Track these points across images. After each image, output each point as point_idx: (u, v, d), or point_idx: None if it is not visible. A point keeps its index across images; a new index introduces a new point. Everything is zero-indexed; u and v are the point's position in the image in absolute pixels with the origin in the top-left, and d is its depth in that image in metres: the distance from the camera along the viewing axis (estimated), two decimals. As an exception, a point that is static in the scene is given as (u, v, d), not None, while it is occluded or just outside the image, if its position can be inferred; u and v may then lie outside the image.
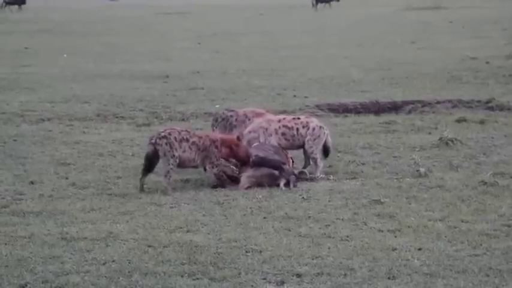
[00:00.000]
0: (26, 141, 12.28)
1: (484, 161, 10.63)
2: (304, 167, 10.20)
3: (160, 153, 9.37)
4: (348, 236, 7.56)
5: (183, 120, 14.10)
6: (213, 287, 6.39)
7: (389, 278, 6.51)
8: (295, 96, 16.51)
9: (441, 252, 7.08)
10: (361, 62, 21.92)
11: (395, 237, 7.55)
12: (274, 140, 10.05)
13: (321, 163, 9.98)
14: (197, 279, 6.53)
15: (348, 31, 33.79)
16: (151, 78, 19.43)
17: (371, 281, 6.44)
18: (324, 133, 10.10)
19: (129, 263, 6.88)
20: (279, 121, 10.15)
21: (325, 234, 7.65)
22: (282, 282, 6.46)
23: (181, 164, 9.51)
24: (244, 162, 9.61)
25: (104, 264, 6.86)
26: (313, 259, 6.93)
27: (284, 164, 9.60)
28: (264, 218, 8.23)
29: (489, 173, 9.68)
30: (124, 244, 7.38)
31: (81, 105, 15.62)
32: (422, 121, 13.63)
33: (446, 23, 35.77)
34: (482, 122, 13.31)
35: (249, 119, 10.54)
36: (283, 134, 10.08)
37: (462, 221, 7.98)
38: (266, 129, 10.11)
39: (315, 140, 10.03)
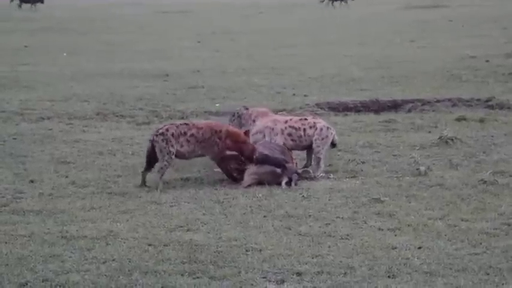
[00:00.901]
0: (26, 140, 12.28)
1: (484, 159, 10.63)
2: (306, 166, 10.20)
3: (157, 150, 9.40)
4: (348, 235, 7.56)
5: (182, 118, 14.09)
6: (213, 285, 6.40)
7: (389, 277, 6.51)
8: (294, 94, 16.51)
9: (441, 251, 7.08)
10: (361, 61, 21.92)
11: (395, 235, 7.56)
12: (280, 140, 10.06)
13: (323, 164, 9.98)
14: (197, 278, 6.53)
15: (348, 29, 33.78)
16: (151, 77, 19.42)
17: (371, 280, 6.44)
18: (331, 133, 10.13)
19: (129, 261, 6.88)
20: (286, 122, 10.17)
21: (325, 232, 7.65)
22: (282, 281, 6.46)
23: (183, 157, 9.54)
24: (248, 158, 9.60)
25: (104, 263, 6.86)
26: (313, 258, 6.93)
27: (287, 162, 9.60)
28: (264, 216, 8.23)
29: (489, 171, 9.68)
30: (124, 243, 7.38)
31: (81, 103, 15.62)
32: (422, 120, 13.63)
33: (446, 22, 35.77)
34: (482, 121, 13.31)
35: (254, 119, 10.53)
36: (289, 134, 10.09)
37: (462, 220, 7.99)
38: (272, 129, 10.12)
39: (322, 139, 10.05)
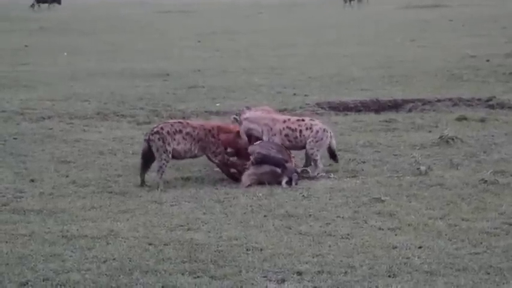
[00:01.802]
0: (26, 140, 12.28)
1: (485, 159, 10.63)
2: (305, 166, 10.19)
3: (154, 149, 9.40)
4: (348, 234, 7.56)
5: (183, 118, 14.09)
6: (213, 285, 6.39)
7: (389, 276, 6.51)
8: (295, 94, 16.51)
9: (441, 251, 7.08)
10: (361, 60, 21.91)
11: (396, 235, 7.55)
12: (278, 140, 10.05)
13: (320, 164, 9.97)
14: (198, 277, 6.53)
15: (348, 29, 33.77)
16: (151, 77, 19.42)
17: (371, 279, 6.44)
18: (327, 136, 10.08)
19: (130, 261, 6.88)
20: (284, 122, 10.15)
21: (325, 232, 7.65)
22: (283, 280, 6.46)
23: (179, 156, 9.52)
24: (241, 152, 9.60)
25: (104, 262, 6.86)
26: (313, 257, 6.93)
27: (286, 161, 9.60)
28: (265, 216, 8.23)
29: (489, 171, 9.68)
30: (124, 242, 7.38)
31: (82, 103, 15.62)
32: (422, 119, 13.63)
33: (446, 21, 35.76)
34: (482, 120, 13.30)
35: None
36: (286, 135, 10.08)
37: (462, 219, 7.98)
38: (271, 128, 10.10)
39: (317, 142, 10.01)
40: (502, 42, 25.65)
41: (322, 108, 14.94)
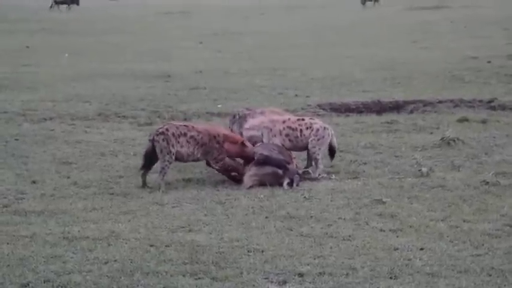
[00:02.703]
0: (28, 141, 12.28)
1: (486, 160, 10.62)
2: (306, 167, 10.19)
3: (157, 150, 9.41)
4: (349, 236, 7.56)
5: (185, 119, 14.09)
6: (215, 286, 6.39)
7: (391, 278, 6.51)
8: (296, 95, 16.51)
9: (443, 252, 7.07)
10: (363, 62, 21.91)
11: (397, 237, 7.55)
12: (278, 141, 10.05)
13: (321, 165, 9.97)
14: (199, 278, 6.53)
15: (350, 31, 33.77)
16: (153, 78, 19.43)
17: (373, 281, 6.43)
18: (329, 134, 10.09)
19: (131, 262, 6.87)
20: (284, 122, 10.15)
21: (327, 233, 7.65)
22: (284, 282, 6.45)
23: (181, 159, 9.53)
24: (248, 161, 9.60)
25: (105, 263, 6.85)
26: (315, 259, 6.93)
27: (288, 163, 9.59)
28: (266, 217, 8.23)
29: (491, 172, 9.67)
30: (126, 243, 7.38)
31: (83, 104, 15.62)
32: (424, 121, 13.62)
33: (448, 23, 35.75)
34: (484, 122, 13.29)
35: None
36: (287, 135, 10.07)
37: (464, 221, 7.98)
38: (270, 129, 10.10)
39: (318, 140, 10.02)
40: (504, 44, 25.64)
41: (323, 109, 14.94)
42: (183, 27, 37.98)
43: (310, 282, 6.43)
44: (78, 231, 7.77)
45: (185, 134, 9.47)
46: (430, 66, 20.58)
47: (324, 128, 10.12)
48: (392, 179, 9.71)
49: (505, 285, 6.36)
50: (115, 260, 6.92)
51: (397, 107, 15.02)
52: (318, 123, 10.20)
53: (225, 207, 8.62)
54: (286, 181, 9.38)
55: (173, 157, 9.42)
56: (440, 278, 6.48)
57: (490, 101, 15.18)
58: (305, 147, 10.12)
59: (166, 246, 7.30)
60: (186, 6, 55.77)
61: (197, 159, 9.63)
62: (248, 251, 7.13)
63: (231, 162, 9.63)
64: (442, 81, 18.13)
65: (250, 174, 9.47)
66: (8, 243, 7.41)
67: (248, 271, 6.65)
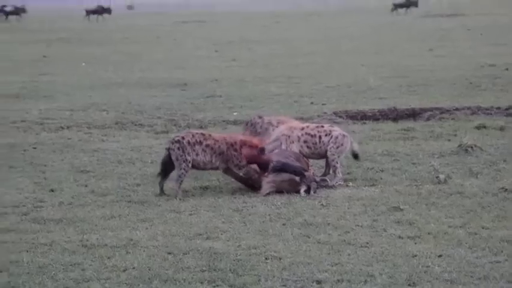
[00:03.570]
0: (46, 149, 12.35)
1: (504, 167, 10.56)
2: (324, 175, 10.17)
3: (173, 158, 9.43)
4: (367, 243, 7.54)
5: (201, 127, 14.12)
6: (233, 293, 6.39)
7: (409, 285, 6.48)
8: (312, 103, 16.51)
9: (462, 259, 7.04)
10: (378, 70, 21.88)
11: (415, 243, 7.52)
12: (296, 148, 10.04)
13: (340, 173, 9.94)
14: (217, 286, 6.53)
15: (365, 38, 33.75)
16: (169, 86, 19.50)
17: (391, 288, 6.41)
18: (348, 141, 10.07)
19: (149, 270, 6.89)
20: (302, 129, 10.14)
21: (344, 241, 7.63)
22: (302, 289, 6.44)
23: (198, 167, 9.55)
24: (264, 168, 9.60)
25: (124, 271, 6.87)
26: (332, 266, 6.91)
27: (305, 170, 9.58)
28: (283, 224, 8.22)
29: (509, 179, 9.62)
30: (144, 251, 7.40)
31: (100, 113, 15.70)
32: (441, 128, 13.57)
33: (464, 30, 35.65)
34: (502, 129, 13.22)
35: (274, 126, 10.59)
36: (305, 141, 10.07)
37: (483, 228, 7.94)
38: (288, 136, 10.10)
39: (337, 147, 10.00)
40: (521, 51, 25.52)
41: (339, 117, 14.92)
42: (198, 36, 38.11)
43: (328, 290, 6.41)
44: (97, 239, 7.80)
45: (201, 143, 9.49)
46: (446, 73, 20.52)
47: (343, 135, 10.10)
48: (409, 186, 9.67)
49: (524, 292, 6.32)
50: (133, 268, 6.94)
51: (413, 114, 14.98)
52: (337, 130, 10.18)
53: (242, 215, 8.62)
54: (303, 188, 9.38)
55: (189, 165, 9.44)
56: (459, 285, 6.45)
57: (507, 108, 15.10)
58: (323, 155, 10.10)
59: (184, 253, 7.31)
60: (202, 15, 55.94)
61: (217, 168, 9.64)
62: (266, 258, 7.12)
63: (256, 169, 9.62)
64: (459, 88, 18.06)
65: (268, 180, 9.47)
66: (27, 251, 7.45)
67: (266, 278, 6.64)
